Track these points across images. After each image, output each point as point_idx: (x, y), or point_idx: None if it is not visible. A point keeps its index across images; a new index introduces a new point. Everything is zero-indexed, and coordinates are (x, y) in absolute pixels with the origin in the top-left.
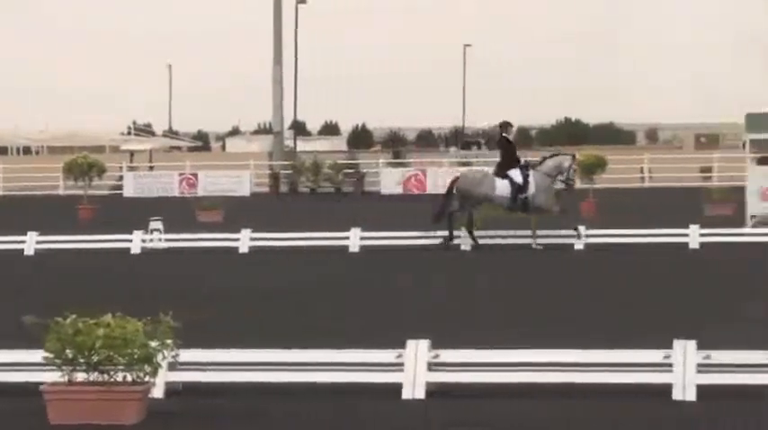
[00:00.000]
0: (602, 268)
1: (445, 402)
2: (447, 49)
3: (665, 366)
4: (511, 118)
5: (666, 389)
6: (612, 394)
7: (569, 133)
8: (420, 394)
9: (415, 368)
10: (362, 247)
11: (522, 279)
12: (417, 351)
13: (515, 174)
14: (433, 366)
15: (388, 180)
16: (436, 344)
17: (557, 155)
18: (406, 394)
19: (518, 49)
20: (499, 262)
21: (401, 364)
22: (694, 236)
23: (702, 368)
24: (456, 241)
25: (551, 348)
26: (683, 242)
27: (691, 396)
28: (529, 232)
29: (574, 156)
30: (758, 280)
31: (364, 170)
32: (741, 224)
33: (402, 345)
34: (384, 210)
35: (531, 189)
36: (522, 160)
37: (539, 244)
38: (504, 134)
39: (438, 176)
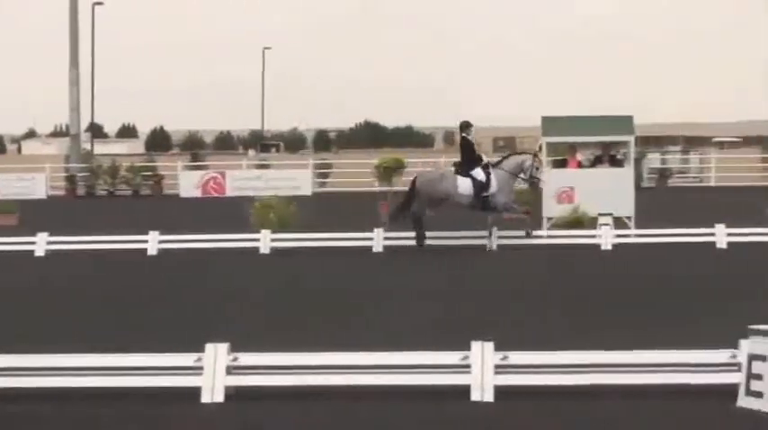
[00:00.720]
0: (401, 268)
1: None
2: (248, 52)
3: (464, 367)
4: (310, 120)
5: (466, 390)
6: (412, 396)
7: (369, 136)
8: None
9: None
10: (161, 250)
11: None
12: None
13: (478, 172)
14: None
15: (187, 183)
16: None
17: (516, 153)
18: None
19: (319, 53)
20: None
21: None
22: (494, 237)
23: (500, 369)
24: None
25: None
26: (482, 244)
27: (488, 397)
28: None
29: (535, 155)
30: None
31: (162, 173)
32: (538, 226)
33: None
34: (183, 213)
35: (493, 187)
36: (484, 159)
37: (492, 244)
38: (463, 134)
39: (236, 179)
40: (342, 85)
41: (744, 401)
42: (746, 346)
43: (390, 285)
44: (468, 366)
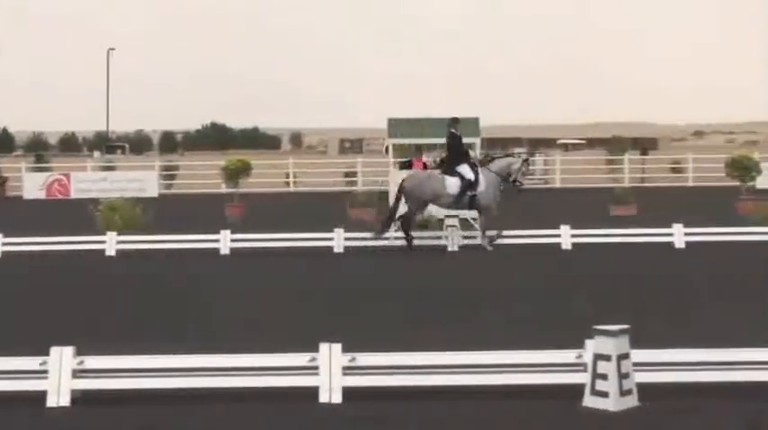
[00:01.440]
0: (249, 268)
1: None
2: (90, 53)
3: (311, 369)
4: (156, 122)
5: (314, 391)
6: (260, 397)
7: (215, 138)
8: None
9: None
10: (4, 253)
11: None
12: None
13: (465, 170)
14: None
15: (31, 184)
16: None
17: (507, 155)
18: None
19: (161, 55)
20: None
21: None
22: (339, 239)
23: (348, 371)
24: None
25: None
26: (329, 246)
27: (336, 398)
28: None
29: (526, 159)
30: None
31: (6, 175)
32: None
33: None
34: (27, 215)
35: (481, 186)
36: (472, 157)
37: (491, 244)
38: (452, 130)
39: (81, 181)
40: (189, 86)
41: (589, 401)
42: (592, 346)
43: (239, 286)
44: (316, 367)
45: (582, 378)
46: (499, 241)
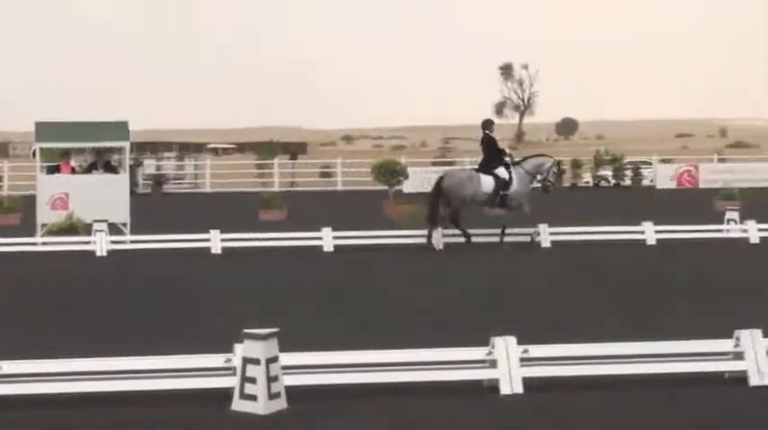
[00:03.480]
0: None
1: None
2: None
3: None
4: None
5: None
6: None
7: None
8: None
9: None
10: None
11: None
12: None
13: (501, 170)
14: None
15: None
16: None
17: (539, 155)
18: None
19: None
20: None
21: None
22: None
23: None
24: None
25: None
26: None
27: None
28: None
29: (559, 162)
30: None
31: None
32: (32, 233)
33: None
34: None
35: (514, 186)
36: (507, 156)
37: (506, 242)
38: (486, 131)
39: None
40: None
41: (238, 405)
42: (241, 350)
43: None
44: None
45: (231, 382)
46: (148, 245)
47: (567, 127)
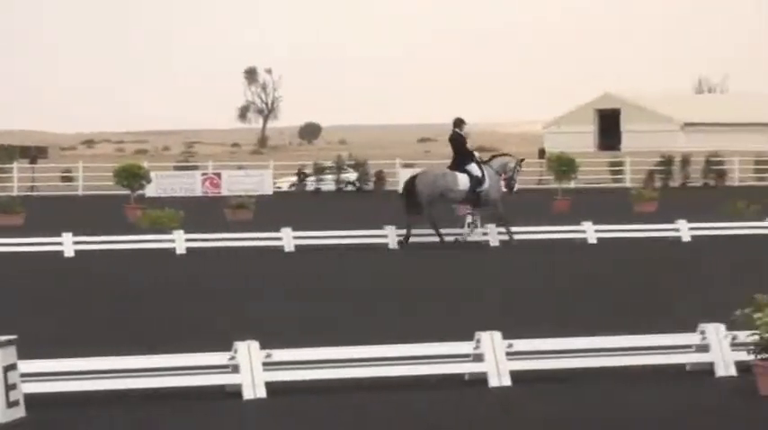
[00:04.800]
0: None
1: None
2: None
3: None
4: None
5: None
6: None
7: None
8: None
9: None
10: None
11: None
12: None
13: (473, 168)
14: None
15: None
16: None
17: (502, 154)
18: None
19: None
20: None
21: None
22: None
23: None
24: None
25: None
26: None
27: None
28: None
29: (522, 160)
30: None
31: None
32: None
33: None
34: None
35: (487, 183)
36: (476, 156)
37: (465, 237)
38: (456, 130)
39: None
40: None
41: (5, 415)
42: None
43: None
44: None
45: None
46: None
47: (310, 131)
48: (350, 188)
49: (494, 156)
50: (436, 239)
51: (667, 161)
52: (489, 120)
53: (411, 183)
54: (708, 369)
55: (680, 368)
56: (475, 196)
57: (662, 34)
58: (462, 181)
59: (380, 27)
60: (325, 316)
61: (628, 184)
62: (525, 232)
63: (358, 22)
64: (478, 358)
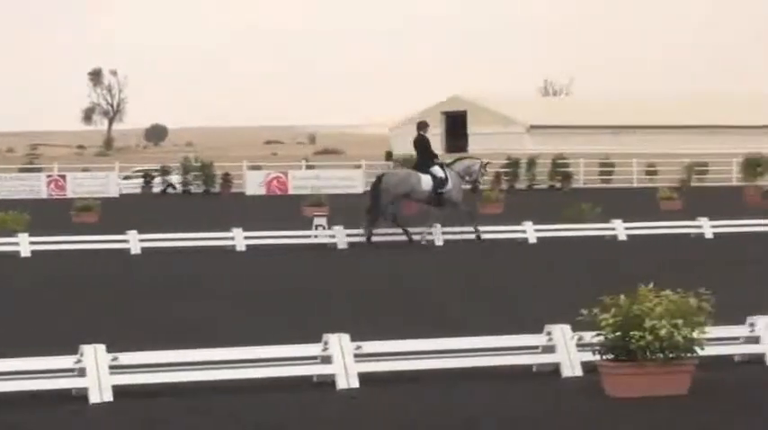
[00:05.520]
0: None
1: None
2: None
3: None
4: None
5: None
6: None
7: None
8: None
9: None
10: None
11: None
12: None
13: (436, 170)
14: None
15: None
16: None
17: (466, 157)
18: None
19: None
20: None
21: None
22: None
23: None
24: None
25: None
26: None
27: None
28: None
29: (487, 162)
30: None
31: None
32: None
33: None
34: None
35: (449, 184)
36: (439, 159)
37: (428, 238)
38: (420, 133)
39: None
40: None
41: None
42: None
43: None
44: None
45: None
46: None
47: (156, 133)
48: (170, 191)
49: (458, 159)
50: (404, 238)
51: (513, 163)
52: (336, 122)
53: (377, 183)
54: (554, 369)
55: (527, 369)
56: (437, 197)
57: (509, 37)
58: (426, 182)
59: (232, 29)
60: (177, 317)
61: None
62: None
63: (206, 23)
64: (326, 360)
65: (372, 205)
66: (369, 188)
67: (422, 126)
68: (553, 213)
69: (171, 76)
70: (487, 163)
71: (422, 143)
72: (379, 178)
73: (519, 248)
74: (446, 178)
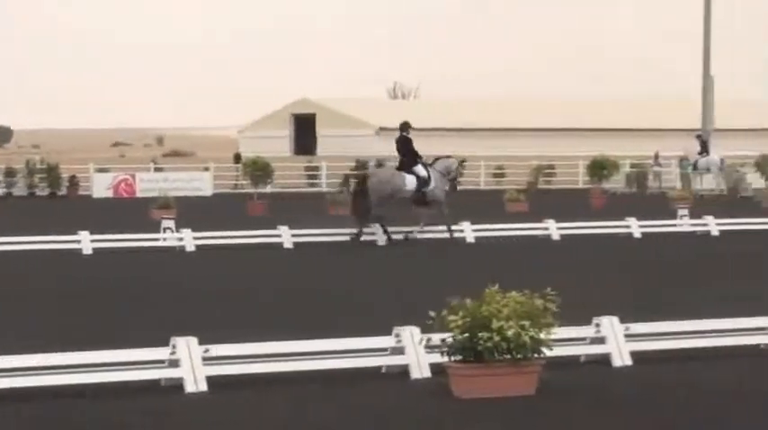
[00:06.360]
0: None
1: None
2: None
3: None
4: None
5: None
6: None
7: None
8: None
9: None
10: None
11: None
12: None
13: (420, 169)
14: None
15: None
16: None
17: (445, 157)
18: None
19: None
20: None
21: None
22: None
23: None
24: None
25: None
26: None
27: None
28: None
29: (463, 161)
30: None
31: None
32: None
33: None
34: None
35: (432, 183)
36: (422, 158)
37: (421, 232)
38: (404, 133)
39: None
40: None
41: None
42: None
43: None
44: None
45: None
46: None
47: (1, 135)
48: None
49: (437, 159)
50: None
51: (362, 166)
52: (181, 124)
53: (362, 183)
54: (403, 371)
55: (376, 370)
56: (421, 196)
57: (358, 39)
58: (410, 181)
59: (81, 29)
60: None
61: (324, 189)
62: (220, 236)
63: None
64: (174, 364)
65: (358, 206)
66: (351, 190)
67: (404, 127)
68: (404, 214)
69: (17, 76)
70: (464, 161)
71: (404, 143)
72: (364, 179)
73: (380, 250)
74: (429, 177)
